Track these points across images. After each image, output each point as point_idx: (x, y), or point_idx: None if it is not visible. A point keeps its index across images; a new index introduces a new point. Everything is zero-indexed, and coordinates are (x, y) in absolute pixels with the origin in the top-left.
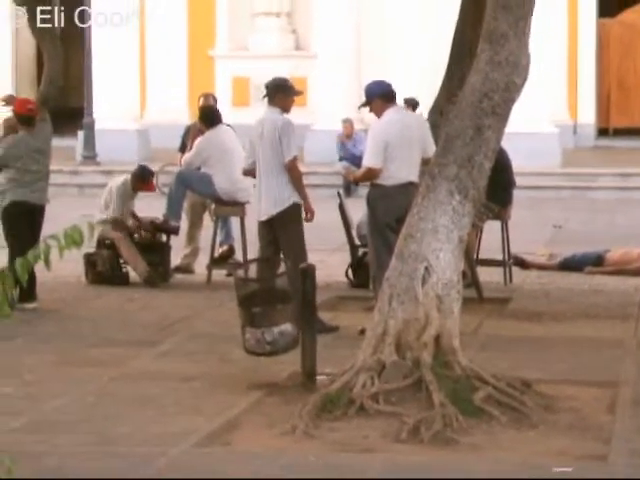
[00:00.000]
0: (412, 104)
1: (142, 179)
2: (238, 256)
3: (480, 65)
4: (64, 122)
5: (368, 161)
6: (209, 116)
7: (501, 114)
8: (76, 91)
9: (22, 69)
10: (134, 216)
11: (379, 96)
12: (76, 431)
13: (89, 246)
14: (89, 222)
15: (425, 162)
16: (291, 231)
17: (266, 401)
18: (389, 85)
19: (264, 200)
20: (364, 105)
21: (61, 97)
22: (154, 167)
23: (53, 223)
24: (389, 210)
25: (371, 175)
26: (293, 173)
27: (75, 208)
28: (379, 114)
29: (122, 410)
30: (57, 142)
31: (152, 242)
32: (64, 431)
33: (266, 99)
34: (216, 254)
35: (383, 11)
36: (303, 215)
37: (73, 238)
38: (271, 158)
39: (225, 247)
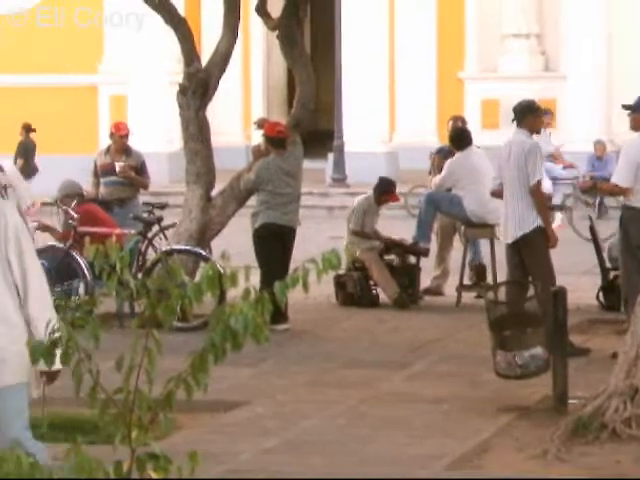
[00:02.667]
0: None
1: (385, 190)
2: (488, 278)
3: None
4: (314, 145)
5: (617, 178)
6: (458, 138)
7: None
8: (326, 114)
9: (273, 92)
10: (377, 235)
11: None
12: (328, 452)
13: (339, 267)
14: (347, 246)
15: None
16: (537, 254)
17: (516, 424)
18: None
19: (509, 222)
20: (627, 108)
21: (312, 119)
22: (404, 189)
23: (303, 245)
24: None
25: (616, 191)
26: (536, 197)
27: (324, 230)
28: (636, 128)
29: (373, 432)
30: (307, 164)
31: (402, 264)
32: (316, 452)
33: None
34: (469, 277)
35: (634, 30)
36: None
37: (331, 262)
38: (517, 180)
39: (476, 263)
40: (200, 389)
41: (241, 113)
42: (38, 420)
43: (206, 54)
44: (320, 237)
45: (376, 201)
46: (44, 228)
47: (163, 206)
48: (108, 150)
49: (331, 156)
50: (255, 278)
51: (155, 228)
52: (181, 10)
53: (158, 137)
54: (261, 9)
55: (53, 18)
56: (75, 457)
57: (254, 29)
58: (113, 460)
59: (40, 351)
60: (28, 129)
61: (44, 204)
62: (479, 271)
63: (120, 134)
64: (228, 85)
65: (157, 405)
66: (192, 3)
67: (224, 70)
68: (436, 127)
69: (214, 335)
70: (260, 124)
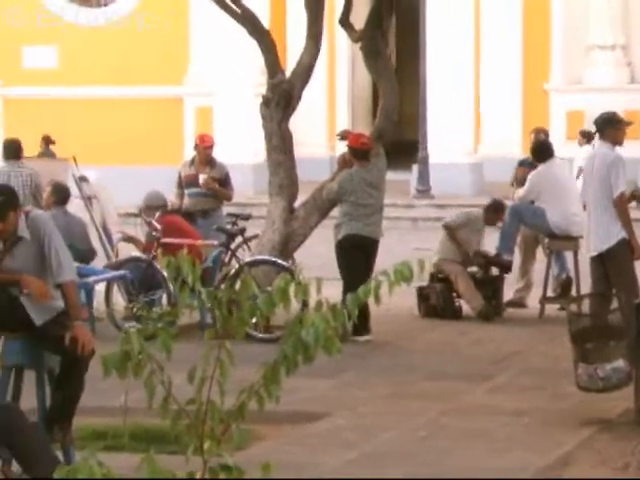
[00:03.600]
0: (587, 136)
1: (500, 210)
2: (571, 290)
3: None
4: (399, 156)
5: None
6: (540, 150)
7: None
8: (411, 125)
9: (358, 103)
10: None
11: None
12: (407, 464)
13: (421, 279)
14: (419, 258)
15: None
16: (621, 266)
17: (598, 438)
18: None
19: (593, 235)
20: None
21: (396, 131)
22: (486, 201)
23: (386, 256)
24: None
25: None
26: (620, 209)
27: (408, 241)
28: None
29: (453, 444)
30: (392, 176)
31: (485, 276)
32: (396, 464)
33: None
34: (552, 289)
35: None
36: None
37: (403, 274)
38: (600, 193)
39: (563, 277)
40: (272, 401)
41: (326, 124)
42: (119, 430)
43: (291, 66)
44: (404, 249)
45: (486, 220)
46: (128, 239)
47: (247, 217)
48: (192, 162)
49: (415, 167)
50: (334, 290)
51: (238, 239)
52: (266, 22)
53: (243, 148)
54: (345, 21)
55: (139, 31)
56: (147, 467)
57: (339, 40)
58: (198, 471)
59: (113, 362)
60: (48, 141)
61: (128, 215)
62: (565, 284)
63: (204, 146)
64: (313, 96)
65: (229, 416)
66: (278, 15)
67: (307, 81)
68: (521, 138)
69: (286, 347)
70: (343, 136)
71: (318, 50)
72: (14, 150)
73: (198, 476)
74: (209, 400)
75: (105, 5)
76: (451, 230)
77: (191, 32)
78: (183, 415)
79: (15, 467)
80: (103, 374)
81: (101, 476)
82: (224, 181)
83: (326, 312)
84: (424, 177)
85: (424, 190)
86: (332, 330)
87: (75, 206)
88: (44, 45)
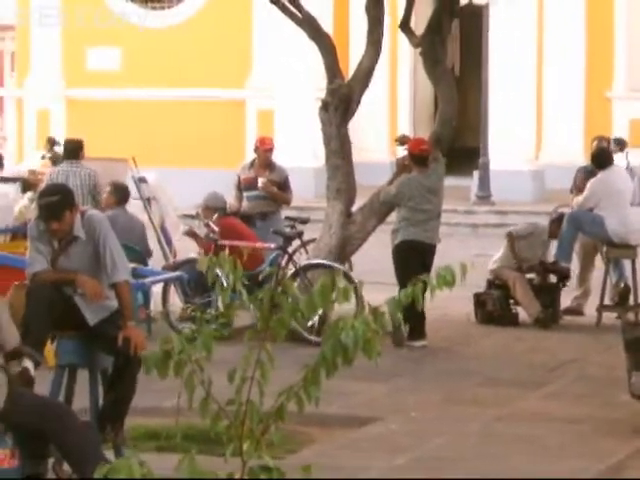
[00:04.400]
0: (620, 144)
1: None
2: (629, 299)
3: None
4: (461, 162)
5: None
6: (599, 158)
7: None
8: (473, 131)
9: (420, 108)
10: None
11: None
12: (458, 469)
13: (478, 285)
14: (462, 262)
15: None
16: None
17: None
18: None
19: None
20: None
21: (457, 137)
22: (547, 208)
23: (446, 262)
24: None
25: None
26: None
27: (468, 247)
28: None
29: (504, 450)
30: (453, 181)
31: (543, 283)
32: (446, 469)
33: None
34: (610, 297)
35: None
36: None
37: (445, 279)
38: None
39: (622, 285)
40: (311, 402)
41: (387, 129)
42: (172, 431)
43: (354, 70)
44: (464, 254)
45: (551, 233)
46: (191, 234)
47: (305, 221)
48: (252, 164)
49: (476, 174)
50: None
51: (296, 243)
52: (329, 26)
53: (304, 152)
54: (405, 26)
55: (202, 34)
56: (187, 467)
57: (401, 44)
58: (237, 472)
59: (153, 361)
60: (53, 142)
61: (186, 217)
62: (623, 293)
63: (264, 148)
64: (375, 101)
65: (268, 417)
66: (340, 19)
67: (367, 86)
68: (583, 146)
69: (325, 349)
70: (402, 141)
71: (378, 54)
72: (74, 150)
73: (237, 476)
74: (248, 401)
75: (169, 8)
76: (511, 239)
77: (254, 35)
78: (222, 415)
79: (67, 467)
80: (144, 373)
81: (140, 476)
82: (283, 184)
83: (367, 315)
84: (485, 183)
85: (484, 196)
86: (372, 333)
87: (134, 207)
88: (108, 47)
